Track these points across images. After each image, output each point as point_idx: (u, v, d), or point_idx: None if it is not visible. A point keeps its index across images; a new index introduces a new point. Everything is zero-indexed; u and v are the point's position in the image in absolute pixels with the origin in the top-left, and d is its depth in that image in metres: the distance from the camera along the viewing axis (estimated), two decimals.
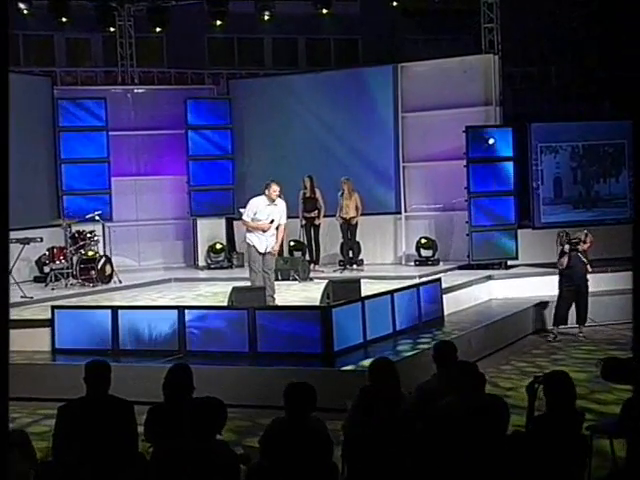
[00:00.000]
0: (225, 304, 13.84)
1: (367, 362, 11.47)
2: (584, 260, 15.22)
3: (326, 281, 13.97)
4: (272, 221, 14.45)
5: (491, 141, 18.21)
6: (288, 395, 6.48)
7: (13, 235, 17.11)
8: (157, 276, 19.32)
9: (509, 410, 6.75)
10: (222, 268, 20.25)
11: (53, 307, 13.62)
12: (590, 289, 15.77)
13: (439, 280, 15.23)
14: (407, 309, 13.85)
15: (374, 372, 7.24)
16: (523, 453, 6.14)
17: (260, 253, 14.54)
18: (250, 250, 14.77)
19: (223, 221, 20.92)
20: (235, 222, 20.87)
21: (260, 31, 25.62)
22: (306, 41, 26.79)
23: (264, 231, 14.48)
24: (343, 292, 13.06)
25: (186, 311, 12.71)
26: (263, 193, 14.69)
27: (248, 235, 14.74)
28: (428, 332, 13.80)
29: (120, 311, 13.10)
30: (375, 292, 13.80)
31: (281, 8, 21.76)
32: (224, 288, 15.45)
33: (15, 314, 14.78)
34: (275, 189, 14.53)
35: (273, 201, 14.56)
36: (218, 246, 20.58)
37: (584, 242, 15.19)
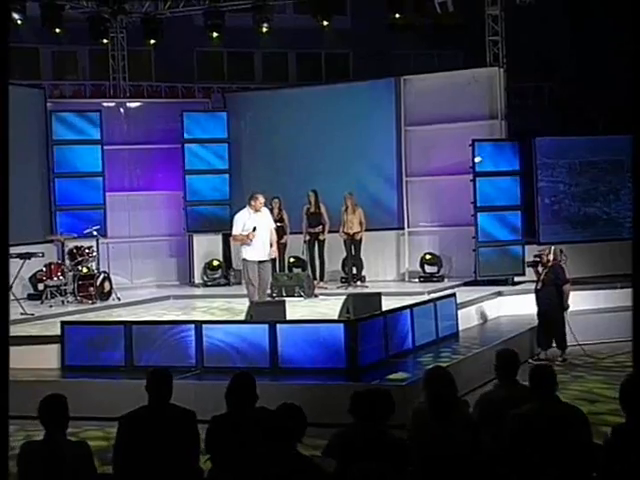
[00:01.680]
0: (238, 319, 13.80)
1: (393, 376, 11.55)
2: (552, 277, 14.83)
3: (345, 295, 13.88)
4: (255, 228, 14.75)
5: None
6: (361, 400, 6.45)
7: (12, 250, 16.94)
8: (151, 294, 19.16)
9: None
10: (219, 285, 20.14)
11: (63, 323, 13.43)
12: (589, 307, 16.10)
13: (454, 295, 15.19)
14: (425, 324, 13.81)
15: (431, 380, 7.17)
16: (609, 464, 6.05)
17: (258, 262, 14.84)
18: (246, 264, 15.01)
19: (220, 237, 20.75)
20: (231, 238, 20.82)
21: (250, 45, 25.58)
22: (296, 55, 26.78)
23: (250, 240, 14.80)
24: (363, 306, 12.97)
25: (204, 326, 12.58)
26: (247, 205, 15.08)
27: (242, 249, 15.06)
28: (447, 347, 13.78)
29: (134, 327, 12.95)
30: (390, 308, 13.72)
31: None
32: (239, 304, 15.44)
33: (18, 331, 14.59)
34: (261, 201, 15.05)
35: (257, 211, 14.95)
36: (215, 263, 20.47)
37: (547, 259, 14.84)
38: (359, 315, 12.60)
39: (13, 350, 13.72)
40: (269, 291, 16.68)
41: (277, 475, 5.72)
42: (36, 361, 13.26)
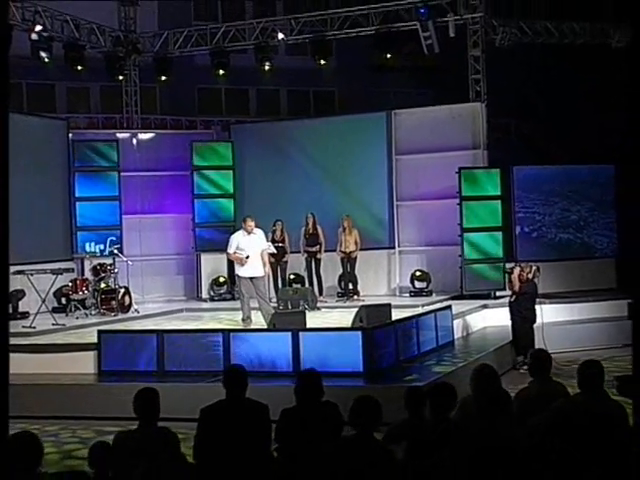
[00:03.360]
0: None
1: (409, 378, 11.57)
2: (527, 291, 14.95)
3: (359, 306, 13.91)
4: (248, 257, 15.23)
5: None
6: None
7: (41, 267, 16.86)
8: (164, 307, 19.06)
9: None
10: (225, 300, 20.08)
11: (100, 331, 13.34)
12: (563, 318, 16.54)
13: (450, 307, 15.26)
14: (428, 333, 13.88)
15: (479, 378, 7.16)
16: None
17: (249, 278, 15.29)
18: (240, 280, 15.58)
19: (224, 256, 20.64)
20: None
21: (246, 82, 25.66)
22: (287, 92, 26.88)
23: (242, 264, 15.34)
24: (375, 316, 13.00)
25: (231, 334, 12.56)
26: (242, 227, 15.69)
27: (236, 267, 15.63)
28: (448, 354, 13.85)
29: (165, 335, 12.91)
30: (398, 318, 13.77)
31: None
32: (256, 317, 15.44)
33: (53, 340, 14.54)
34: (250, 224, 15.54)
35: (250, 233, 15.40)
36: (221, 279, 20.43)
37: (527, 277, 14.91)
38: (371, 324, 12.63)
39: (53, 357, 13.70)
40: (275, 304, 16.78)
41: (360, 461, 5.72)
42: (74, 367, 13.25)
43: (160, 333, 12.98)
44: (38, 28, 18.33)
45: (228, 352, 12.38)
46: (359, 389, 11.02)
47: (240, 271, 15.48)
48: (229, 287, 20.32)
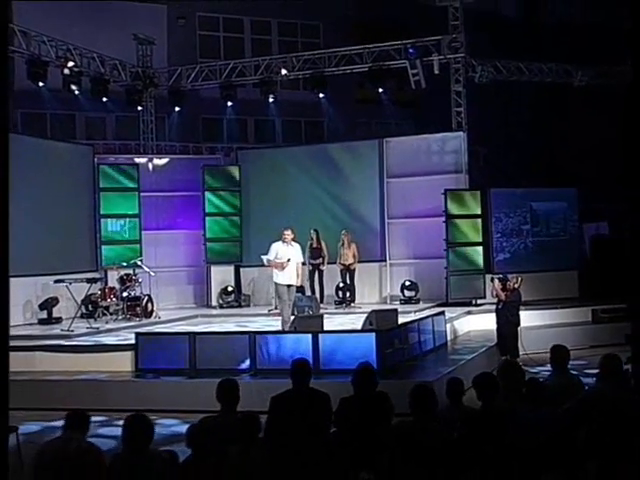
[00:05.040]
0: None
1: (420, 373, 11.70)
2: (512, 299, 15.11)
3: (369, 310, 14.04)
4: (289, 260, 14.82)
5: None
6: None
7: (69, 277, 16.90)
8: (177, 314, 19.06)
9: None
10: (232, 307, 20.14)
11: (137, 334, 13.37)
12: (536, 323, 16.75)
13: (443, 313, 15.43)
14: (427, 335, 14.03)
15: (505, 371, 7.31)
16: None
17: (285, 285, 14.90)
18: (277, 287, 15.15)
19: (232, 268, 20.85)
20: (242, 269, 20.92)
21: (245, 113, 25.76)
22: (282, 122, 27.00)
23: (283, 268, 14.82)
24: (384, 320, 13.13)
25: (256, 336, 12.65)
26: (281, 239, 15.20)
27: (274, 273, 15.07)
28: (445, 353, 14.03)
29: (197, 336, 12.97)
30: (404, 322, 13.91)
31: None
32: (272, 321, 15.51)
33: (91, 341, 14.59)
34: (286, 234, 15.10)
35: (288, 243, 15.03)
36: (229, 288, 20.49)
37: (514, 287, 15.08)
38: (380, 327, 12.77)
39: (94, 356, 13.68)
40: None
41: (422, 442, 5.87)
42: (113, 365, 13.27)
43: (192, 335, 13.02)
44: (70, 64, 18.41)
45: (254, 351, 12.44)
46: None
47: (279, 279, 14.95)
48: (236, 295, 20.41)
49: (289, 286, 15.01)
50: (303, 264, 15.87)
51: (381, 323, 12.92)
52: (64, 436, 5.93)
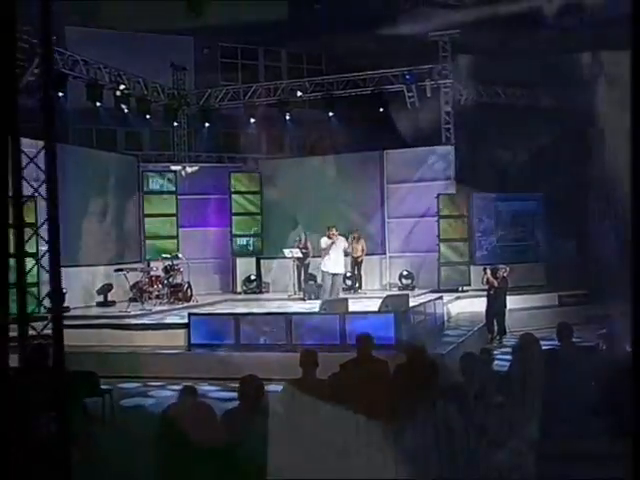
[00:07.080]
0: None
1: (430, 348, 12.02)
2: (502, 286, 15.60)
3: (384, 295, 14.39)
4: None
5: None
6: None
7: (124, 266, 17.19)
8: (209, 299, 19.26)
9: None
10: (255, 293, 20.43)
11: (190, 314, 13.69)
12: (517, 306, 16.98)
13: (442, 298, 15.80)
14: (430, 316, 14.43)
15: (526, 345, 7.64)
16: None
17: (331, 274, 15.50)
18: (323, 274, 15.83)
19: (254, 260, 21.16)
20: (262, 260, 21.19)
21: (262, 128, 25.96)
22: (290, 136, 27.19)
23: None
24: (397, 303, 13.47)
25: (292, 316, 12.99)
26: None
27: (322, 263, 15.73)
28: (445, 331, 14.43)
29: (240, 317, 13.30)
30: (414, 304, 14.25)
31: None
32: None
33: (147, 321, 14.88)
34: (331, 232, 15.83)
35: (332, 239, 15.69)
36: (252, 277, 20.80)
37: (503, 276, 15.60)
38: (395, 309, 13.12)
39: (152, 333, 13.93)
40: (301, 294, 17.23)
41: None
42: (168, 341, 13.58)
43: (236, 315, 13.36)
44: (122, 87, 18.66)
45: (290, 329, 12.77)
46: (393, 356, 11.53)
47: (325, 266, 15.74)
48: (257, 283, 20.72)
49: (334, 275, 15.59)
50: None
51: (395, 305, 13.26)
52: (181, 399, 6.29)
